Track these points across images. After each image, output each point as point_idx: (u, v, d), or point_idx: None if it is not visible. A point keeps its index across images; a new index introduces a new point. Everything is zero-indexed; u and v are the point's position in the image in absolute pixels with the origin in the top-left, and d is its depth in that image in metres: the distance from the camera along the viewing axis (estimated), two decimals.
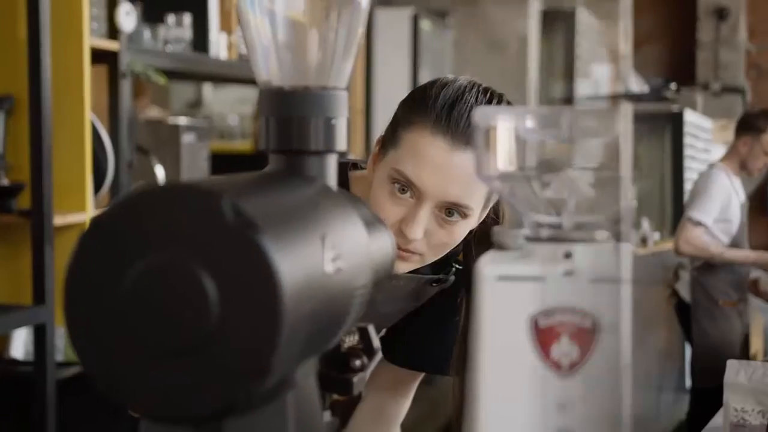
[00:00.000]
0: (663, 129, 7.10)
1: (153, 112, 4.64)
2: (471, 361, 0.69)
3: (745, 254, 4.51)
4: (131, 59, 2.73)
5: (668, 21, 8.07)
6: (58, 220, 2.45)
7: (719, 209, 4.39)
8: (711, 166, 4.68)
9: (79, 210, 2.51)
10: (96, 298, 0.62)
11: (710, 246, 4.34)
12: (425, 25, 5.00)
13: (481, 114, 0.70)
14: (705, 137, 7.70)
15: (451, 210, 1.27)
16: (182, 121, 3.25)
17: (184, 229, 0.61)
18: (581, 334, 0.66)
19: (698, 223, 4.32)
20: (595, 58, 7.93)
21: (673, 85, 6.93)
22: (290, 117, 0.79)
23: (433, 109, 1.25)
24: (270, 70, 0.82)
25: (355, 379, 0.86)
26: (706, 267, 4.44)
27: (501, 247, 0.74)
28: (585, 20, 7.56)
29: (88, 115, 2.54)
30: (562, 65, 7.36)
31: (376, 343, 0.87)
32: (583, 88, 5.58)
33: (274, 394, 0.67)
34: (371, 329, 0.87)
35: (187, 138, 3.15)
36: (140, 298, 0.61)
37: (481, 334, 0.68)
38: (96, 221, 0.63)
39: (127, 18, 2.67)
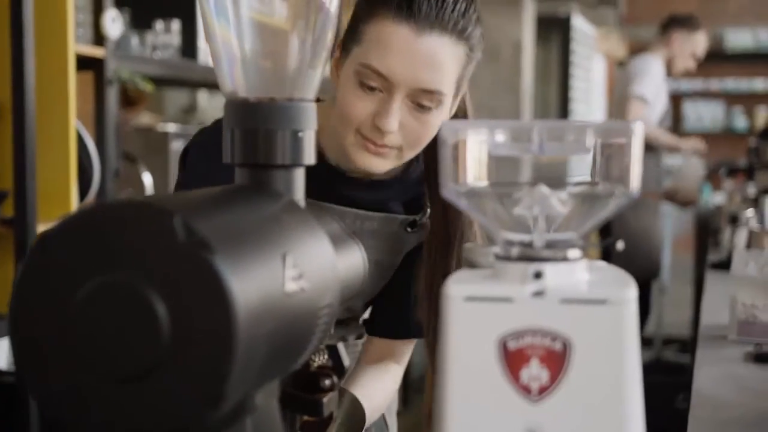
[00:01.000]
0: (550, 34, 7.16)
1: (145, 119, 4.61)
2: (437, 386, 0.66)
3: (677, 140, 4.69)
4: (118, 66, 2.70)
5: None
6: (42, 228, 2.42)
7: (654, 91, 4.47)
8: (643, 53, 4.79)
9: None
10: (43, 317, 0.59)
11: (650, 126, 4.45)
12: None
13: (448, 128, 0.67)
14: (589, 44, 7.79)
15: (422, 104, 1.25)
16: (171, 128, 3.22)
17: (135, 248, 0.58)
18: (551, 357, 0.64)
19: (641, 98, 4.39)
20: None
21: None
22: (256, 129, 0.77)
23: None
24: (235, 80, 0.79)
25: (325, 399, 0.83)
26: None
27: (471, 265, 0.72)
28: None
29: (73, 122, 2.51)
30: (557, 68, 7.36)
31: (347, 361, 0.85)
32: None
33: (232, 419, 0.65)
34: (341, 348, 0.85)
35: (177, 145, 3.12)
36: (89, 320, 0.58)
37: (448, 356, 0.65)
38: (44, 237, 0.60)
39: (114, 24, 2.64)
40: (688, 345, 5.06)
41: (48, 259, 0.60)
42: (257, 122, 0.77)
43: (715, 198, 7.89)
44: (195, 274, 0.57)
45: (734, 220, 3.06)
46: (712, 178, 10.03)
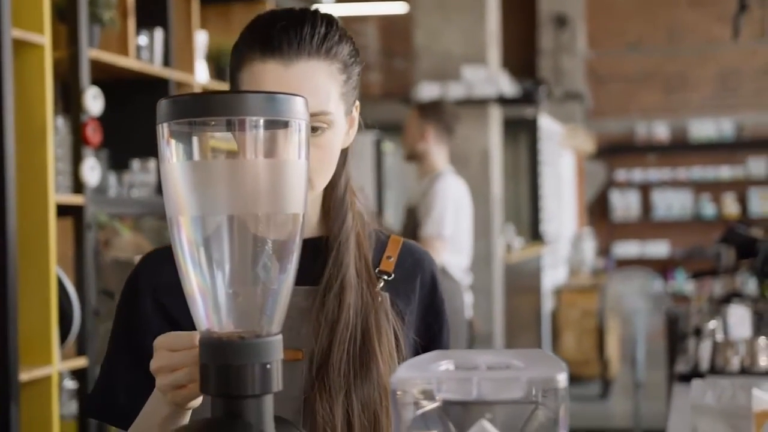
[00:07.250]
0: (518, 134, 7.38)
1: (127, 238, 4.67)
2: None
3: None
4: (96, 210, 2.80)
5: (509, 27, 7.98)
6: (24, 375, 2.48)
7: None
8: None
9: (45, 364, 2.55)
10: None
11: None
12: (387, 147, 5.12)
13: (396, 380, 0.76)
14: (557, 141, 8.02)
15: (312, 126, 1.24)
16: None
17: None
18: None
19: None
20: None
21: (543, 89, 6.93)
22: (228, 365, 0.86)
23: (257, 38, 1.28)
24: (209, 319, 0.89)
25: None
26: None
27: None
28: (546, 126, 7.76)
29: (54, 270, 2.59)
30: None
31: None
32: (455, 90, 5.53)
33: None
34: None
35: None
36: None
37: None
38: None
39: (92, 172, 2.74)
40: None
41: None
42: (229, 359, 0.86)
43: (687, 286, 7.99)
44: None
45: (698, 332, 3.15)
46: (684, 264, 10.19)
